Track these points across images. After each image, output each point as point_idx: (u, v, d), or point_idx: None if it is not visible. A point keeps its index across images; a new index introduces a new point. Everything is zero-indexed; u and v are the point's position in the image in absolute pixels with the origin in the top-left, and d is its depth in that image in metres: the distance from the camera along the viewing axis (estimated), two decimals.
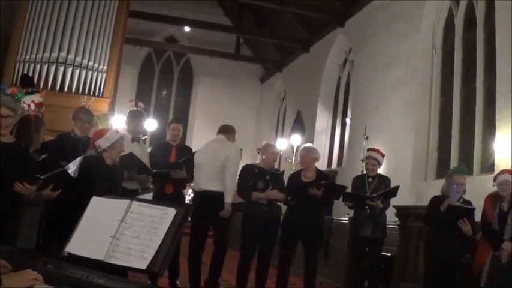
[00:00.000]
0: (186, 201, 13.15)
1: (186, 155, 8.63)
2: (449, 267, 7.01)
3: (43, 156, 6.03)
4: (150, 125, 21.70)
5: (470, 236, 7.08)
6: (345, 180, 9.94)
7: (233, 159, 8.61)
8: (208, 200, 8.43)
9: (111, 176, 6.48)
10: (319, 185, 8.14)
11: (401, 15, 14.58)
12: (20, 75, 13.24)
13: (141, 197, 6.23)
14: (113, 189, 6.17)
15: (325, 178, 8.57)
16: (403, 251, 8.82)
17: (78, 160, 6.09)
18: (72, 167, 5.97)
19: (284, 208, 8.61)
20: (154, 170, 8.19)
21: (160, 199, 8.18)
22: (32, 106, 7.68)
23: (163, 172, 8.31)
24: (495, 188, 7.34)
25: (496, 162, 10.25)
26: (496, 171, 8.21)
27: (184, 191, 9.30)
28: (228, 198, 8.36)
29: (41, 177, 5.27)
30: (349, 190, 8.54)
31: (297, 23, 21.00)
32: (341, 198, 8.45)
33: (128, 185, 7.46)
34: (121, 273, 3.72)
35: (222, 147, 8.68)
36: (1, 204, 4.82)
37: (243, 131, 22.34)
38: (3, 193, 4.98)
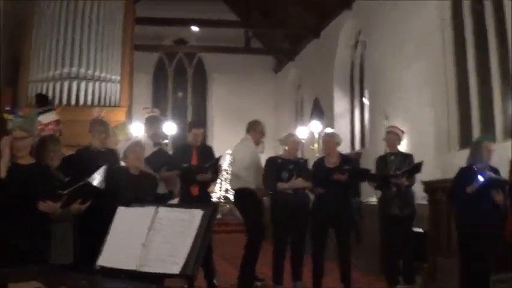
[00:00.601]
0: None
1: (207, 155, 8.66)
2: (482, 238, 6.92)
3: (67, 179, 6.03)
4: (170, 128, 21.76)
5: (501, 205, 6.98)
6: (369, 161, 9.87)
7: (236, 159, 8.97)
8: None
9: (138, 185, 6.49)
10: (343, 170, 8.13)
11: None
12: (33, 95, 13.29)
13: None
14: (142, 197, 6.18)
15: (349, 162, 8.57)
16: (435, 226, 8.76)
17: (102, 170, 6.11)
18: (97, 178, 5.99)
19: (312, 196, 8.60)
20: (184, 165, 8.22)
21: (186, 201, 8.26)
22: (50, 127, 7.72)
23: (192, 167, 8.31)
24: None
25: None
26: None
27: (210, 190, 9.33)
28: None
29: (63, 192, 5.29)
30: (373, 171, 8.52)
31: (303, 10, 20.89)
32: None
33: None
34: (157, 280, 3.72)
35: (234, 148, 8.81)
36: (29, 225, 4.83)
37: None
38: (30, 213, 4.99)
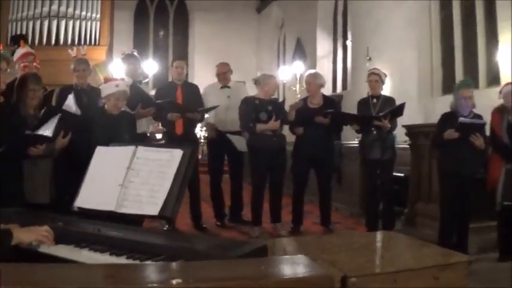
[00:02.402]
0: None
1: (193, 94, 8.58)
2: (463, 184, 6.92)
3: (42, 111, 5.92)
4: (151, 67, 21.61)
5: (483, 151, 6.96)
6: (351, 104, 9.83)
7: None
8: None
9: (116, 124, 6.42)
10: (326, 113, 8.09)
11: None
12: (13, 34, 13.16)
13: None
14: (120, 136, 6.12)
15: (332, 103, 8.53)
16: (416, 171, 8.76)
17: (70, 97, 6.04)
18: (69, 105, 5.94)
19: (289, 137, 8.56)
20: (157, 101, 8.12)
21: (171, 140, 8.21)
22: (22, 61, 7.57)
23: (167, 101, 8.17)
24: (502, 101, 7.21)
25: (502, 74, 10.13)
26: (502, 84, 8.04)
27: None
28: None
29: (50, 135, 5.21)
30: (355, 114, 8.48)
31: None
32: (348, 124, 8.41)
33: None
34: (136, 222, 3.67)
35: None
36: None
37: (243, 64, 22.18)
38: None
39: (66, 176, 6.04)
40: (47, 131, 5.49)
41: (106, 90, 6.61)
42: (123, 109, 6.80)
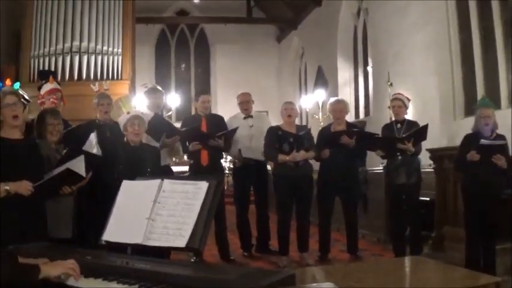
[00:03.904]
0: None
1: (218, 124, 8.61)
2: (488, 205, 6.88)
3: (64, 151, 5.92)
4: (173, 100, 21.73)
5: (506, 171, 6.92)
6: (375, 130, 9.80)
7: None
8: None
9: (138, 157, 6.47)
10: (351, 132, 8.11)
11: None
12: (36, 70, 13.30)
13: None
14: (143, 169, 6.16)
15: (356, 129, 8.55)
16: (442, 194, 8.72)
17: (92, 136, 6.08)
18: (91, 145, 5.96)
19: (316, 165, 8.57)
20: (182, 129, 8.17)
21: (197, 172, 8.24)
22: (48, 97, 7.64)
23: (193, 128, 8.24)
24: None
25: None
26: None
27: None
28: None
29: (84, 175, 5.22)
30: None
31: None
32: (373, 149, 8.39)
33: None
34: (163, 254, 3.70)
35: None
36: (25, 201, 4.75)
37: (265, 94, 22.32)
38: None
39: (89, 211, 6.10)
40: (80, 170, 5.52)
41: (122, 122, 6.71)
42: (144, 141, 6.86)
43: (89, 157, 5.59)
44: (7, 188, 4.56)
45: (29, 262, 3.07)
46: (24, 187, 4.63)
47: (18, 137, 5.01)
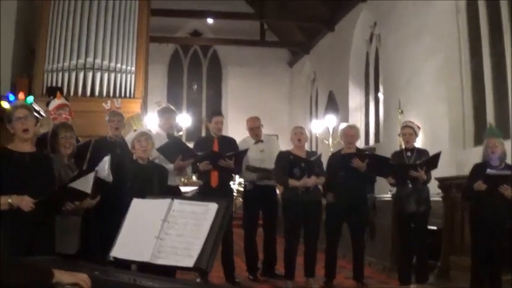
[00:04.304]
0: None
1: (230, 146, 8.60)
2: (495, 235, 6.87)
3: (75, 173, 5.88)
4: (184, 120, 21.81)
5: None
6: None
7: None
8: None
9: (145, 175, 6.50)
10: (363, 155, 8.12)
11: None
12: (49, 85, 13.39)
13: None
14: (149, 188, 6.17)
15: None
16: (449, 223, 8.71)
17: (106, 160, 6.08)
18: (103, 169, 5.95)
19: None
20: (198, 153, 8.18)
21: (206, 193, 8.24)
22: (58, 112, 7.70)
23: (210, 153, 8.23)
24: None
25: None
26: None
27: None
28: None
29: (88, 193, 5.22)
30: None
31: (318, 3, 20.88)
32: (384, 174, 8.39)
33: (169, 181, 7.45)
34: (169, 273, 3.71)
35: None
36: (34, 215, 4.77)
37: (276, 117, 22.41)
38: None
39: (94, 227, 6.11)
40: (85, 187, 5.54)
41: (129, 140, 6.76)
42: (153, 159, 6.89)
43: (99, 182, 5.61)
44: (10, 201, 4.60)
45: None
46: (26, 202, 4.66)
47: (28, 150, 5.06)
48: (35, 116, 5.48)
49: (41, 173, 5.06)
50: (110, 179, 5.94)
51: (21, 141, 4.99)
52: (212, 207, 3.45)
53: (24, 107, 5.26)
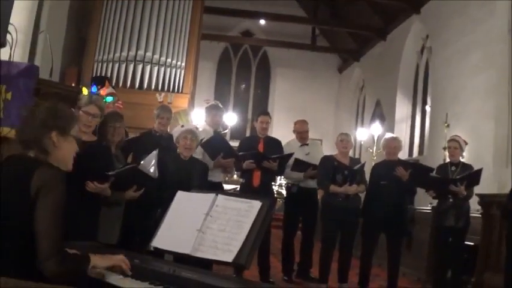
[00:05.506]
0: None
1: (275, 148, 8.65)
2: None
3: (121, 167, 5.97)
4: (230, 119, 21.89)
5: None
6: None
7: None
8: None
9: (186, 170, 6.59)
10: (407, 164, 8.12)
11: None
12: (99, 75, 13.53)
13: None
14: (189, 182, 6.22)
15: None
16: (486, 240, 8.65)
17: (153, 155, 6.17)
18: (149, 165, 6.04)
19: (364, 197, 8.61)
20: (240, 153, 8.27)
21: (246, 193, 8.27)
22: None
23: (250, 153, 8.28)
24: None
25: None
26: None
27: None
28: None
29: (110, 173, 5.32)
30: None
31: (372, 12, 20.83)
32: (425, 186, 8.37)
33: (212, 177, 7.54)
34: (206, 266, 3.78)
35: None
36: (81, 202, 4.90)
37: (322, 122, 22.39)
38: (84, 192, 5.07)
39: (135, 218, 6.20)
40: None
41: (175, 134, 6.84)
42: (199, 156, 6.98)
43: (144, 176, 5.72)
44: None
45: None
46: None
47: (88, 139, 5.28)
48: (101, 116, 5.66)
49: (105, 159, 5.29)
50: (156, 175, 6.04)
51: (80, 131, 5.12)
52: (256, 205, 3.50)
53: (98, 106, 5.44)
